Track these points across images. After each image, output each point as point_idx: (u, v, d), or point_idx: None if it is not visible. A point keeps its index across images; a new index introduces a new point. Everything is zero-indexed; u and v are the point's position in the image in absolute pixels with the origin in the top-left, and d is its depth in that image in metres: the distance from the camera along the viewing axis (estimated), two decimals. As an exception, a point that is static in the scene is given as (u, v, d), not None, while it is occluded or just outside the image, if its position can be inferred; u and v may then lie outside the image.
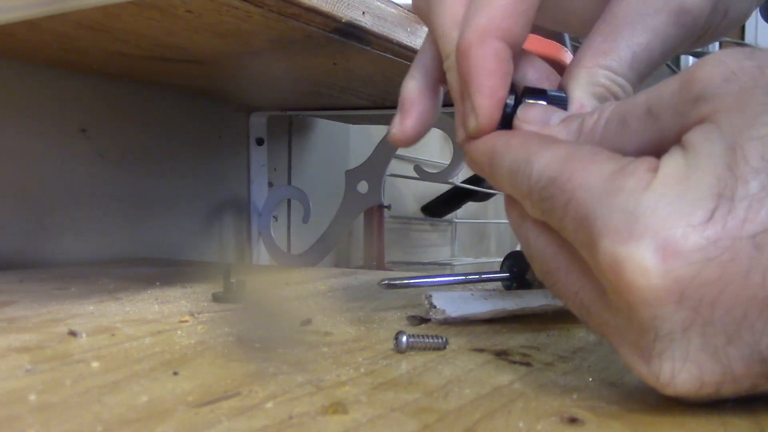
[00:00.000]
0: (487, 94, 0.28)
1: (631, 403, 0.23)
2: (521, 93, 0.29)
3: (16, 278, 0.55)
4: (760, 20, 1.76)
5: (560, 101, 0.29)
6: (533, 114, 0.28)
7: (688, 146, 0.22)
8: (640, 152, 0.24)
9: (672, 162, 0.22)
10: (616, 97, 0.28)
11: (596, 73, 0.28)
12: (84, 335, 0.32)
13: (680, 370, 0.21)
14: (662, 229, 0.20)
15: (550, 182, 0.24)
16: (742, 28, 1.83)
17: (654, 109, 0.24)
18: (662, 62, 0.29)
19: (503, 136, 0.28)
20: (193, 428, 0.20)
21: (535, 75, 0.31)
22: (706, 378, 0.21)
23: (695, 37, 0.30)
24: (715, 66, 0.22)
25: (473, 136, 0.29)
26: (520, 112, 0.28)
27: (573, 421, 0.21)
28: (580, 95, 0.28)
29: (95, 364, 0.27)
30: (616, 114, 0.25)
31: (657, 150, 0.23)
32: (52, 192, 0.71)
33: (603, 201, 0.22)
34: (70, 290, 0.48)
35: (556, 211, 0.24)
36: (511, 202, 0.28)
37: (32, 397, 0.23)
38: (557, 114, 0.28)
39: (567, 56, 0.73)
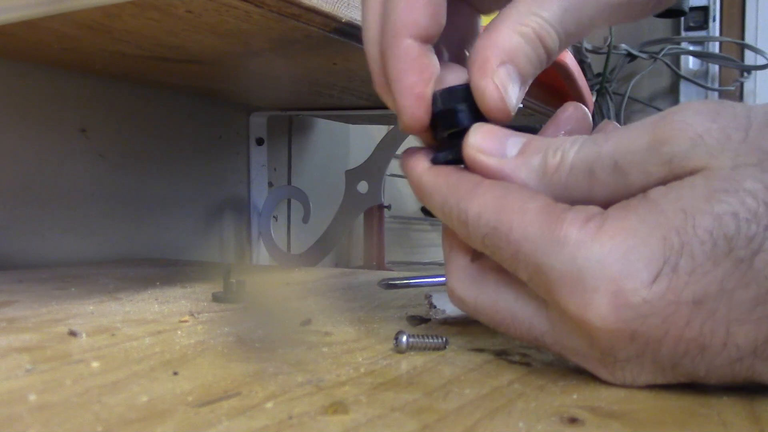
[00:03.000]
0: (406, 94, 0.28)
1: (631, 403, 0.23)
2: (440, 95, 0.28)
3: (16, 278, 0.55)
4: (761, 20, 1.76)
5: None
6: (487, 144, 0.27)
7: (647, 198, 0.23)
8: (608, 202, 0.24)
9: (622, 212, 0.23)
10: (543, 44, 0.27)
11: (527, 15, 0.27)
12: (84, 335, 0.32)
13: (638, 377, 0.24)
14: (613, 283, 0.23)
15: (492, 232, 0.25)
16: (742, 29, 1.82)
17: (621, 164, 0.24)
18: (593, 26, 0.28)
19: (430, 173, 0.28)
20: (193, 428, 0.20)
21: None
22: (659, 381, 0.24)
23: (639, 4, 0.29)
24: (683, 129, 0.23)
25: (407, 132, 0.29)
26: (472, 137, 0.27)
27: (573, 421, 0.21)
28: (507, 33, 0.27)
29: (95, 364, 0.27)
30: (583, 162, 0.25)
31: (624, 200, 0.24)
32: (52, 192, 0.71)
33: (551, 253, 0.24)
34: (70, 290, 0.48)
35: (506, 259, 0.25)
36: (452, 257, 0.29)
37: (32, 397, 0.23)
38: (513, 140, 0.27)
39: (565, 54, 0.73)
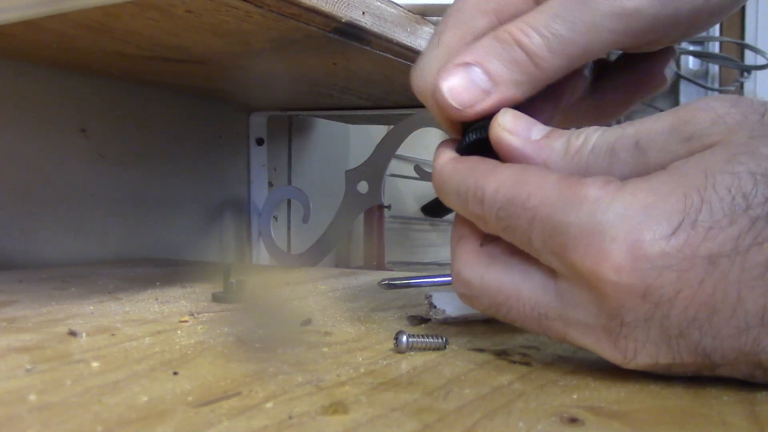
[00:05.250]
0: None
1: (631, 403, 0.23)
2: None
3: (16, 278, 0.55)
4: (761, 20, 1.76)
5: None
6: (514, 125, 0.28)
7: (668, 167, 0.24)
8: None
9: (643, 177, 0.24)
10: (521, 45, 0.28)
11: (513, 22, 0.29)
12: (84, 335, 0.33)
13: (641, 350, 0.24)
14: (632, 233, 0.23)
15: (508, 203, 0.26)
16: (742, 29, 1.82)
17: (642, 143, 0.25)
18: (599, 36, 0.28)
19: (451, 162, 0.29)
20: (193, 428, 0.20)
21: None
22: (660, 359, 0.24)
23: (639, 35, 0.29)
24: (705, 111, 0.25)
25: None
26: (501, 117, 0.28)
27: (573, 421, 0.21)
28: (486, 38, 0.29)
29: (95, 364, 0.27)
30: (605, 143, 0.26)
31: None
32: (52, 192, 0.71)
33: (570, 211, 0.24)
34: (70, 290, 0.48)
35: (520, 228, 0.26)
36: (459, 235, 0.29)
37: (32, 397, 0.23)
38: (538, 126, 0.28)
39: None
